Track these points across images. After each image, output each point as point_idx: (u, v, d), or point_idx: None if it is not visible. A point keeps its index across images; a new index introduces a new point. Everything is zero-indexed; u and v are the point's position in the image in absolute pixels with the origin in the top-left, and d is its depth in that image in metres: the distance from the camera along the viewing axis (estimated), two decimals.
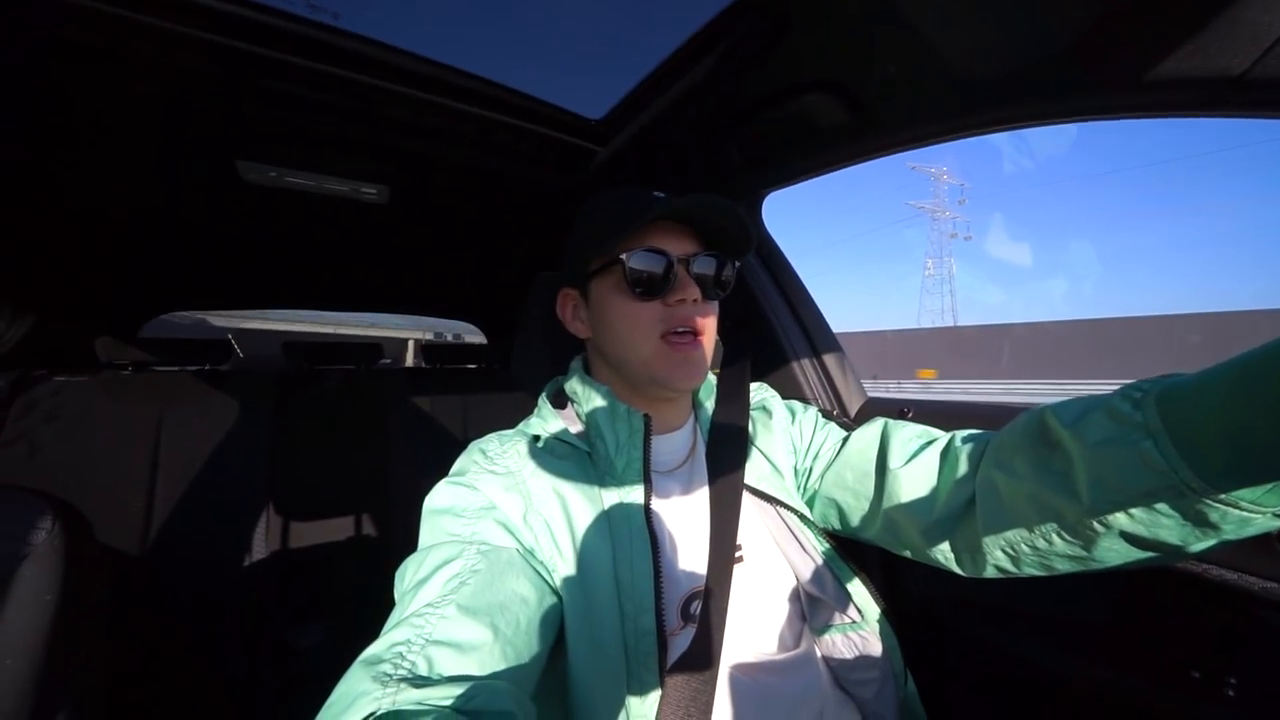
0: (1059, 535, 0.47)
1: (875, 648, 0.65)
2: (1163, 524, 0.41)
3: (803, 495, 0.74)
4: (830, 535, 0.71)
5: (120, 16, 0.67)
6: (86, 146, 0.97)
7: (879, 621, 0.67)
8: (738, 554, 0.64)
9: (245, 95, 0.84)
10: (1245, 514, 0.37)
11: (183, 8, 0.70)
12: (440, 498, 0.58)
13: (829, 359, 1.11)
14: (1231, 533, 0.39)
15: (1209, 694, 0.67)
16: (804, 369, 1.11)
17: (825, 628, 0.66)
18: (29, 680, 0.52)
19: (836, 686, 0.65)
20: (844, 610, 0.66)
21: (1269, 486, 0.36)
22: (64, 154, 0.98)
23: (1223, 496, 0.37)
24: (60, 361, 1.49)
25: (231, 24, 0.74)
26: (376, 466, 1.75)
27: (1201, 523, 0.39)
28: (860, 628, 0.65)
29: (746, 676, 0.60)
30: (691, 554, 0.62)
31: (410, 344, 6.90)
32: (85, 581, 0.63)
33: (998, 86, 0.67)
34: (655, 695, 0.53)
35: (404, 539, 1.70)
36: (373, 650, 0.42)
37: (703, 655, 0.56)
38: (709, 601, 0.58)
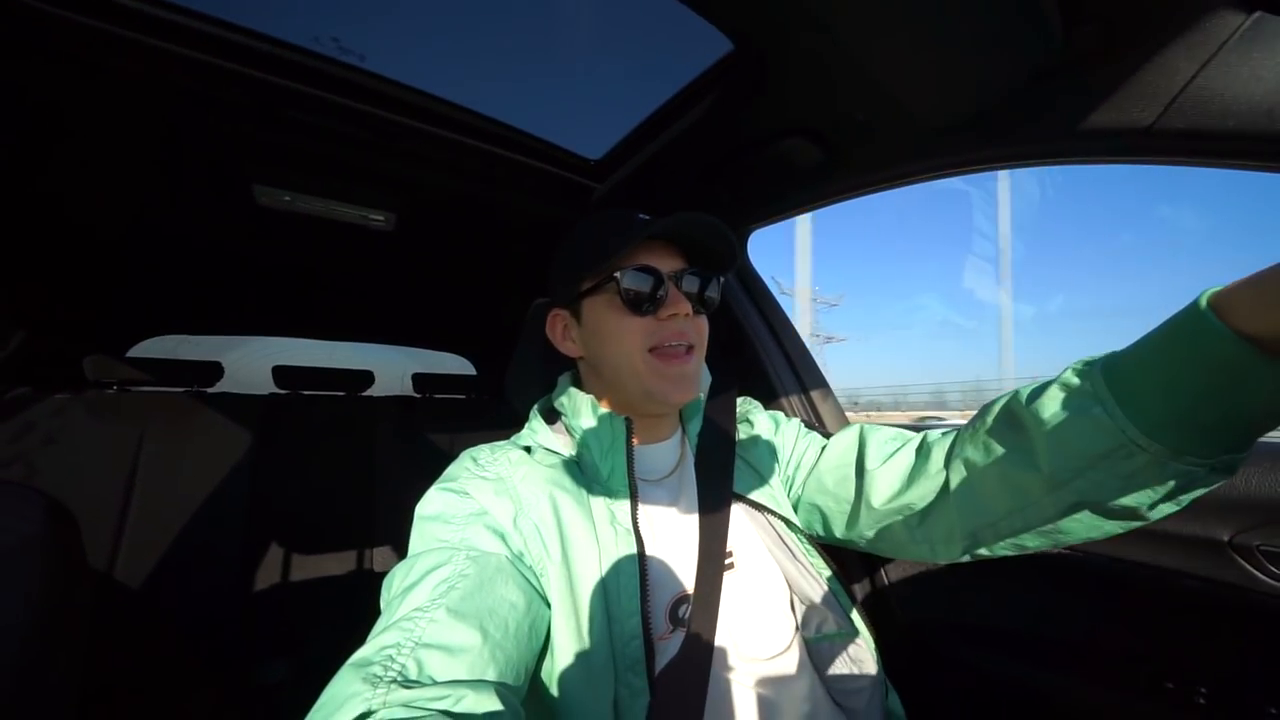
0: (1026, 511, 0.51)
1: (865, 655, 0.66)
2: (1118, 487, 0.45)
3: (788, 502, 0.75)
4: (817, 544, 0.72)
5: (159, 49, 0.74)
6: (99, 166, 1.01)
7: (864, 629, 0.68)
8: (728, 560, 0.64)
9: (272, 124, 0.90)
10: (1188, 467, 0.41)
11: (218, 43, 0.77)
12: (431, 504, 0.59)
13: (810, 384, 1.16)
14: (1179, 489, 0.43)
15: (1182, 703, 0.69)
16: (787, 393, 1.16)
17: (816, 635, 0.66)
18: (7, 670, 0.51)
19: (826, 694, 0.65)
20: (834, 618, 0.66)
21: (1203, 436, 0.40)
22: (76, 172, 1.03)
23: (1166, 450, 0.41)
24: (44, 378, 1.47)
25: (264, 60, 0.81)
26: (362, 495, 1.72)
27: (1152, 481, 0.43)
28: (850, 636, 0.66)
29: (736, 681, 0.59)
30: (680, 559, 0.63)
31: None
32: (71, 578, 0.62)
33: (950, 133, 0.76)
34: (644, 699, 0.53)
35: (389, 567, 1.65)
36: (362, 654, 0.43)
37: (692, 660, 0.56)
38: (698, 607, 0.59)
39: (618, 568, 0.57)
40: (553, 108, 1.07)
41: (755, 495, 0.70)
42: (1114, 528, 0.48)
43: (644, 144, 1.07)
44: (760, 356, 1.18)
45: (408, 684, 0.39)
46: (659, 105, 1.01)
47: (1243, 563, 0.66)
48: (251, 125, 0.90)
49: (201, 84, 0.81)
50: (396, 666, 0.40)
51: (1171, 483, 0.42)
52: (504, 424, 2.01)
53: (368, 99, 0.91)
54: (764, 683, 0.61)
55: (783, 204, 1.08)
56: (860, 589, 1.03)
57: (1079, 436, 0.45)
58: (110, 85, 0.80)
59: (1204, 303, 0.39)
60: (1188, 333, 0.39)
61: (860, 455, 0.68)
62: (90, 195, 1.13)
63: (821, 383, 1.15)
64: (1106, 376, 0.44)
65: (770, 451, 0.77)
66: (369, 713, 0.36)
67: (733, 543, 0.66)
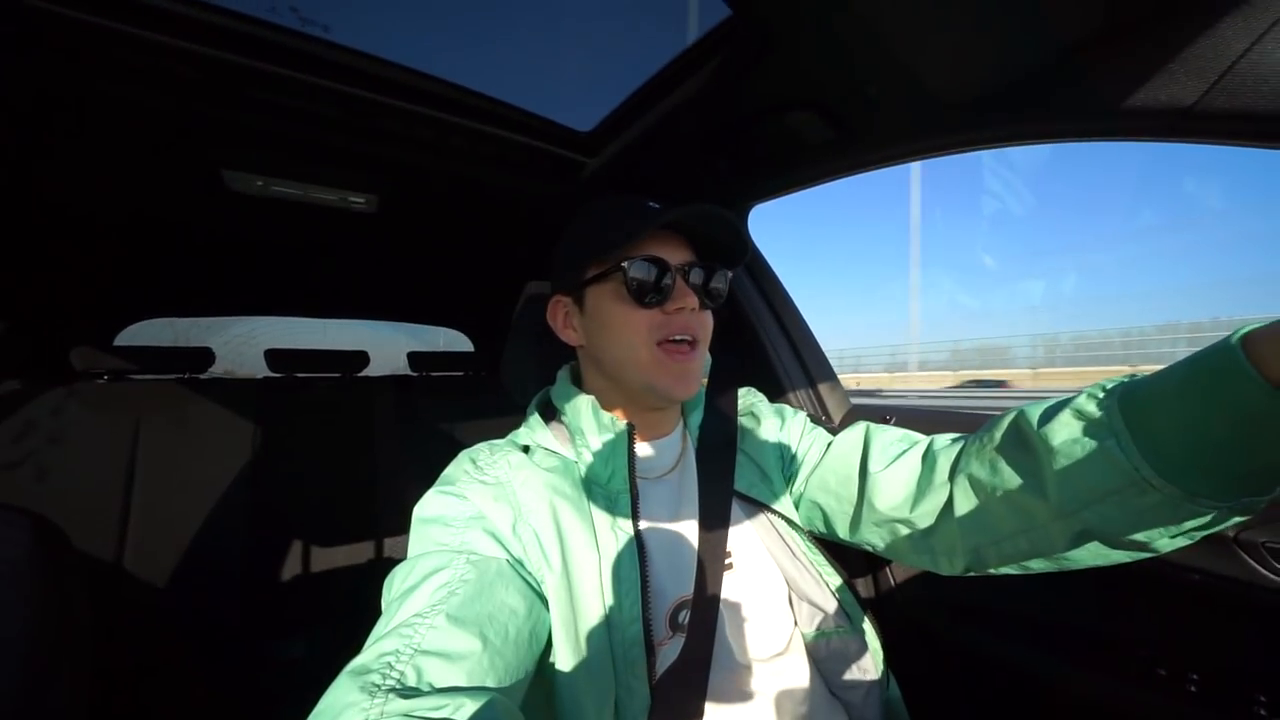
0: (1031, 534, 0.49)
1: (863, 651, 0.66)
2: (1128, 522, 0.43)
3: (789, 499, 0.75)
4: (817, 540, 0.72)
5: (111, 28, 0.67)
6: (69, 151, 0.95)
7: (866, 625, 0.68)
8: (727, 561, 0.64)
9: (234, 105, 0.83)
10: (1204, 510, 0.39)
11: (173, 19, 0.70)
12: (429, 507, 0.58)
13: (814, 367, 1.13)
14: (1194, 529, 0.41)
15: (1173, 689, 0.70)
16: (790, 377, 1.14)
17: (815, 633, 0.66)
18: (8, 698, 0.51)
19: (825, 689, 0.66)
20: (832, 615, 0.66)
21: (1223, 483, 0.38)
22: (45, 158, 0.97)
23: (1181, 493, 0.39)
24: (29, 371, 1.45)
25: (222, 36, 0.74)
26: (363, 475, 1.73)
27: (1164, 520, 0.41)
28: (848, 632, 0.66)
29: (736, 682, 0.60)
30: (680, 562, 0.62)
31: None
32: (65, 597, 0.62)
33: (971, 108, 0.70)
34: (645, 704, 0.54)
35: (392, 548, 1.68)
36: (360, 660, 0.42)
37: (692, 663, 0.57)
38: (698, 610, 0.59)
39: (618, 575, 0.57)
40: (539, 78, 0.99)
41: (756, 493, 0.69)
42: (1121, 557, 0.47)
43: (638, 116, 1.00)
44: (762, 340, 1.15)
45: (406, 692, 0.39)
46: (653, 74, 0.93)
47: (1246, 558, 0.66)
48: (211, 106, 0.83)
49: (151, 61, 0.74)
50: (395, 674, 0.40)
51: (1186, 522, 0.40)
52: (502, 401, 2.00)
53: (337, 75, 0.84)
54: (763, 683, 0.61)
55: (786, 179, 1.02)
56: (862, 581, 1.05)
57: (1089, 469, 0.43)
58: (52, 64, 0.73)
59: (1236, 340, 0.35)
60: (1215, 371, 0.36)
61: (864, 456, 0.67)
62: (57, 181, 1.07)
63: (827, 370, 1.12)
64: (1123, 406, 0.42)
65: (774, 447, 0.76)
66: None
67: (732, 543, 0.65)
